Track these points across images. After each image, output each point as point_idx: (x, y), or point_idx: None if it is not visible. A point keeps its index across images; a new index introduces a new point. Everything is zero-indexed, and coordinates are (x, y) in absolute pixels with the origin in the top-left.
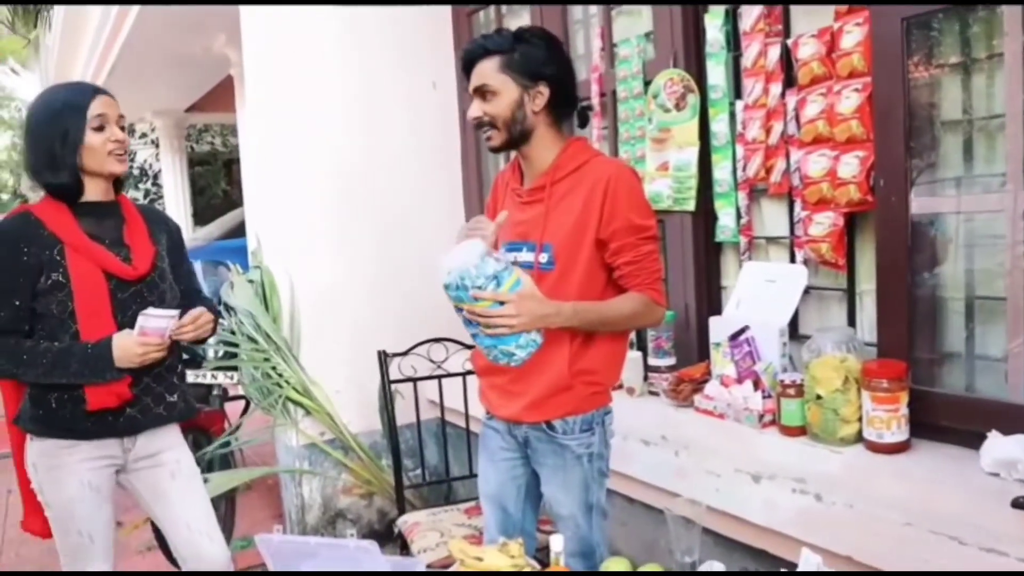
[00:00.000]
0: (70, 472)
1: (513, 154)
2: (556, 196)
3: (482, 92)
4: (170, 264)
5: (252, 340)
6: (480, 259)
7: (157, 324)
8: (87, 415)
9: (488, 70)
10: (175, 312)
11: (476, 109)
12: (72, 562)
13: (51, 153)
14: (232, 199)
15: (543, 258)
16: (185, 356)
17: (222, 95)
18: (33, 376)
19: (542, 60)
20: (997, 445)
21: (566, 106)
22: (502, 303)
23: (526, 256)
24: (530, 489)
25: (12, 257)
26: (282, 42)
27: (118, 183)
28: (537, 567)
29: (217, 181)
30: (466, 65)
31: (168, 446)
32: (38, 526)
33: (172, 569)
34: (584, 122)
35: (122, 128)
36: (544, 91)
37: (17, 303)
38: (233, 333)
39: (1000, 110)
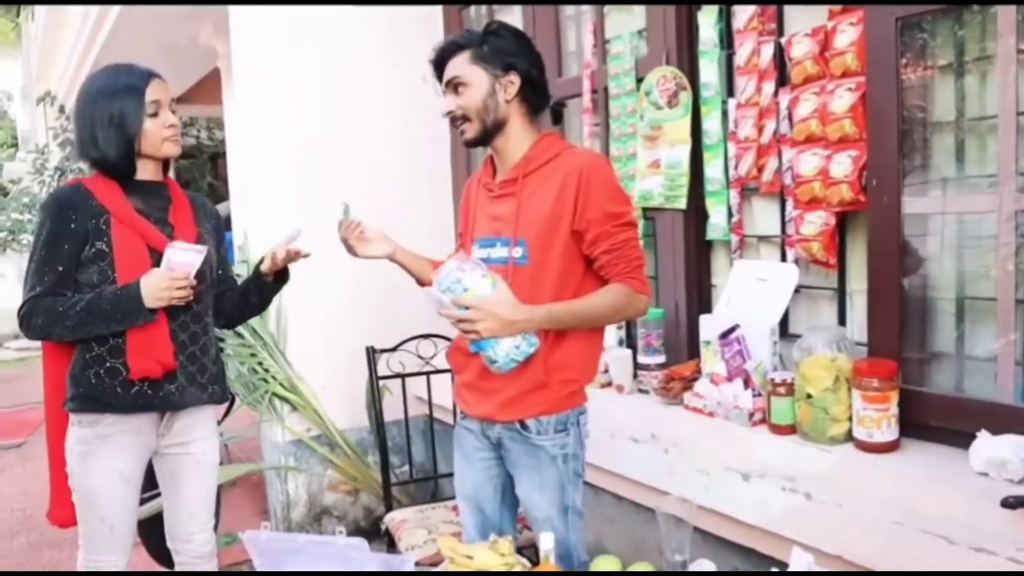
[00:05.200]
0: (103, 459)
1: (487, 151)
2: (528, 189)
3: (454, 85)
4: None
5: (238, 335)
6: (450, 263)
7: (185, 258)
8: (126, 387)
9: (459, 63)
10: (203, 248)
11: (449, 103)
12: (89, 547)
13: (108, 134)
14: (219, 193)
15: (517, 253)
16: None
17: (208, 88)
18: (70, 327)
19: (511, 51)
20: (986, 445)
21: (537, 98)
22: (468, 308)
23: (500, 252)
24: (507, 489)
25: (61, 225)
26: (271, 35)
27: (166, 163)
28: (528, 565)
29: (203, 175)
30: (438, 64)
31: (200, 436)
32: (63, 516)
33: (153, 562)
34: (557, 119)
35: (172, 111)
36: (515, 80)
37: (61, 269)
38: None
39: (993, 111)
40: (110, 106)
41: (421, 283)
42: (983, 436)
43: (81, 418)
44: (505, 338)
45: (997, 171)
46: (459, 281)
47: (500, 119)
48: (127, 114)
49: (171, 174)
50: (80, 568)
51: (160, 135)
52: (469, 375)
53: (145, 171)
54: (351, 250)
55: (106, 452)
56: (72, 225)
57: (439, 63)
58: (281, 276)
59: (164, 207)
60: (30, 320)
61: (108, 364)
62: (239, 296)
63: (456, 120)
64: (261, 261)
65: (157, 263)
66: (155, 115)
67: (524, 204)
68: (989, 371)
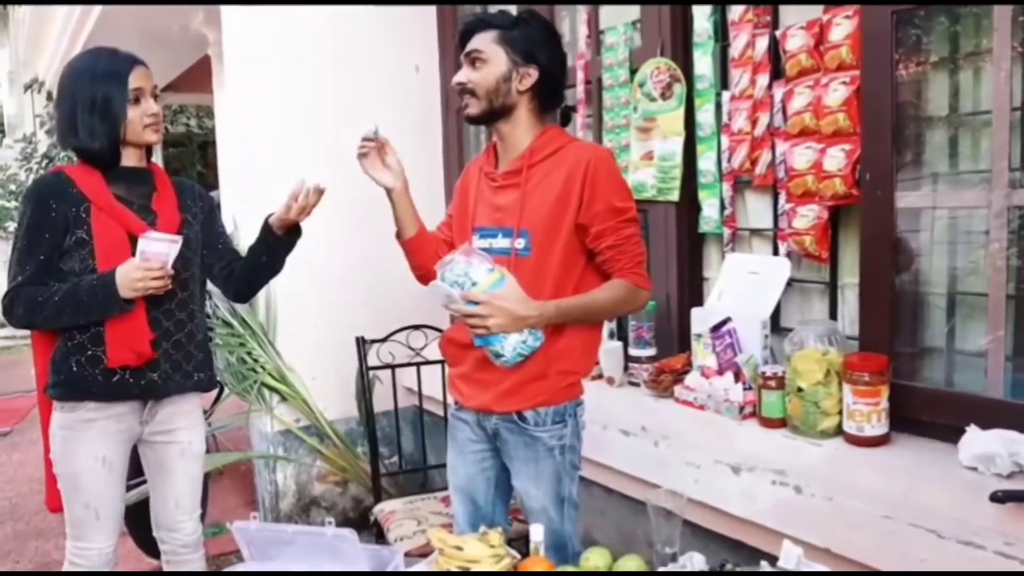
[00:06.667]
0: (85, 444)
1: (485, 141)
2: (533, 180)
3: (472, 59)
4: (206, 229)
5: (227, 324)
6: (457, 256)
7: (158, 248)
8: (107, 375)
9: (484, 39)
10: (178, 237)
11: (462, 75)
12: (76, 534)
13: (90, 121)
14: (208, 182)
15: (519, 244)
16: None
17: (198, 76)
18: (49, 317)
19: (538, 43)
20: (976, 439)
21: (551, 95)
22: (477, 303)
23: (502, 243)
24: (500, 481)
25: (41, 214)
26: (262, 22)
27: (148, 150)
28: (517, 556)
29: (192, 163)
30: (464, 34)
31: (185, 425)
32: (58, 502)
33: (139, 551)
34: (566, 121)
35: (155, 97)
36: (532, 73)
37: (42, 257)
38: (208, 317)
39: (986, 107)
40: (92, 91)
41: (399, 236)
42: (972, 430)
43: (63, 404)
44: (513, 333)
45: (990, 167)
46: (466, 275)
47: (507, 105)
48: (110, 100)
49: (158, 161)
50: (67, 555)
51: (141, 122)
52: (465, 367)
53: (128, 158)
54: (364, 162)
55: (87, 437)
56: (52, 214)
57: (465, 35)
58: (291, 230)
59: (148, 194)
60: (12, 310)
61: (89, 352)
62: (246, 262)
63: (464, 93)
64: (268, 217)
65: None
66: (136, 101)
67: (528, 195)
68: (979, 366)
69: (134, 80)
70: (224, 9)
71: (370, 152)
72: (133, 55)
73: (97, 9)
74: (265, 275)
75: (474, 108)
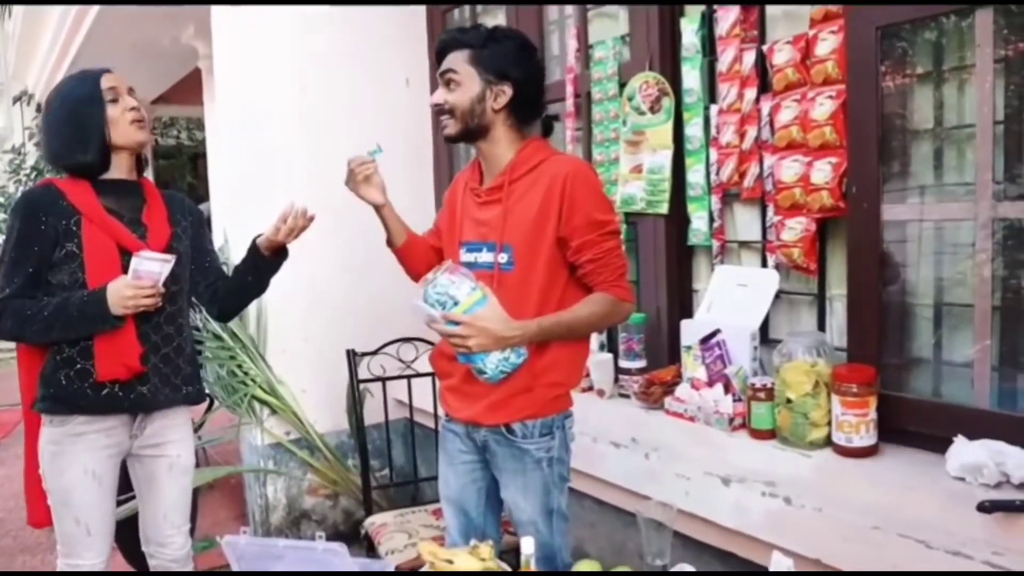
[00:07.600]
0: (74, 459)
1: (474, 152)
2: (514, 195)
3: (447, 79)
4: (193, 244)
5: (218, 337)
6: (439, 275)
7: (151, 267)
8: (97, 389)
9: (457, 59)
10: (171, 257)
11: (438, 96)
12: (67, 551)
13: (75, 135)
14: (198, 194)
15: (502, 258)
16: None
17: (189, 88)
18: (38, 331)
19: (510, 60)
20: (963, 450)
21: (528, 110)
22: (459, 323)
23: (486, 257)
24: (491, 493)
25: (30, 226)
26: (254, 35)
27: (139, 164)
28: (507, 569)
29: (183, 175)
30: (440, 52)
31: (175, 439)
32: (39, 518)
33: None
34: (548, 131)
35: (131, 92)
36: (507, 91)
37: (31, 270)
38: (198, 330)
39: (970, 120)
40: (69, 109)
41: (390, 244)
42: (959, 441)
43: (52, 418)
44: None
45: (974, 179)
46: (448, 293)
47: (484, 125)
48: (92, 106)
49: (149, 173)
50: (58, 571)
51: (125, 119)
52: (454, 379)
53: (119, 169)
54: (352, 183)
55: (77, 451)
56: (42, 227)
57: (440, 52)
58: (279, 252)
59: (138, 207)
60: (0, 323)
61: (79, 366)
62: (232, 282)
63: (441, 113)
64: (256, 238)
65: (128, 264)
66: (114, 101)
67: (510, 210)
68: (966, 376)
69: (105, 82)
70: (215, 22)
71: (360, 173)
72: (100, 68)
73: (87, 22)
74: (250, 295)
75: (451, 129)
